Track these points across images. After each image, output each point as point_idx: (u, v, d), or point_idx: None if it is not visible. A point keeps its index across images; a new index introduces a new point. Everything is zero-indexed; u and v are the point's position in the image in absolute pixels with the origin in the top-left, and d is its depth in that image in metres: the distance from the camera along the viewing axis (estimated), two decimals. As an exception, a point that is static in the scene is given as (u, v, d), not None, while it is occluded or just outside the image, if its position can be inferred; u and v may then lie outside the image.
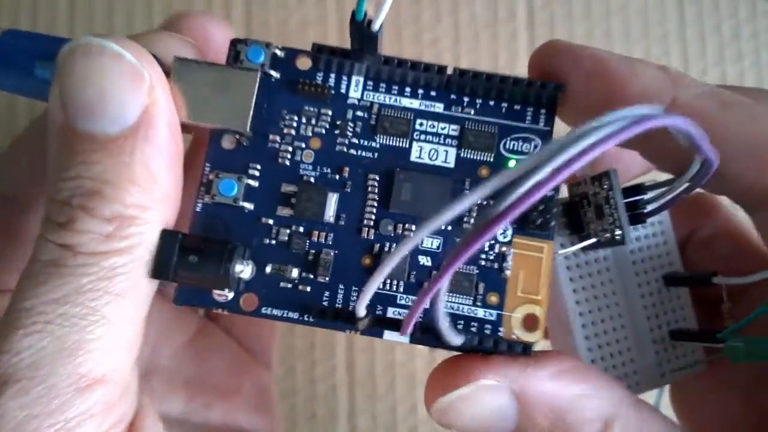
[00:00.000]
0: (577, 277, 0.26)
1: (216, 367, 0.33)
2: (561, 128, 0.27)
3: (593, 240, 0.25)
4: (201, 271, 0.23)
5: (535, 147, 0.26)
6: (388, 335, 0.25)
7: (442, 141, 0.26)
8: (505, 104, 0.26)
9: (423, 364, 0.45)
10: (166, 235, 0.23)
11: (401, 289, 0.25)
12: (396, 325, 0.24)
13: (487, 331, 0.25)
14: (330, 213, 0.25)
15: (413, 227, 0.25)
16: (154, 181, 0.22)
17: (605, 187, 0.25)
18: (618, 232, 0.25)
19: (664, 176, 0.27)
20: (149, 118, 0.22)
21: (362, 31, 0.23)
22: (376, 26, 0.22)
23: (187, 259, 0.23)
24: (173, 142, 0.22)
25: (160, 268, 0.23)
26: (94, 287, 0.21)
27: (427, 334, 0.24)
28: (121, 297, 0.21)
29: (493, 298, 0.25)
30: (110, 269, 0.21)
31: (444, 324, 0.21)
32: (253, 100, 0.24)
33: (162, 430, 0.23)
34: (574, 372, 0.23)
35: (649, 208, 0.26)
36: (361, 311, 0.21)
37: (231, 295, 0.25)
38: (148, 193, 0.22)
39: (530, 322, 0.25)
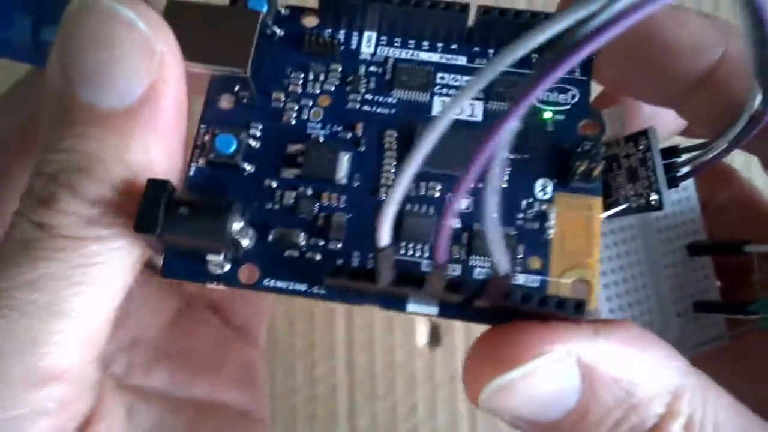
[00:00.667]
0: (601, 248, 0.23)
1: (201, 342, 0.31)
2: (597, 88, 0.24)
3: (623, 206, 0.22)
4: (193, 226, 0.19)
5: (573, 97, 0.23)
6: (413, 306, 0.21)
7: (466, 94, 0.23)
8: (534, 54, 0.23)
9: (423, 364, 0.44)
10: (153, 184, 0.19)
11: (425, 255, 0.21)
12: (423, 283, 0.20)
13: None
14: (342, 173, 0.22)
15: (438, 186, 0.22)
16: (149, 166, 0.20)
17: (641, 147, 0.23)
18: (654, 196, 0.22)
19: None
20: (156, 95, 0.20)
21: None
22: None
23: (177, 211, 0.19)
24: (177, 126, 0.20)
25: (143, 221, 0.19)
26: (67, 275, 0.19)
27: (460, 292, 0.20)
28: (94, 289, 0.19)
29: (536, 263, 0.21)
30: (88, 258, 0.19)
31: (493, 231, 0.16)
32: (255, 40, 0.21)
33: (124, 426, 0.22)
34: (642, 340, 0.20)
35: (682, 171, 0.23)
36: (385, 238, 0.17)
37: (228, 266, 0.21)
38: (140, 179, 0.19)
39: (580, 290, 0.21)
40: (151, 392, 0.28)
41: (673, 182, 0.23)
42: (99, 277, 0.19)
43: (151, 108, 0.20)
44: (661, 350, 0.20)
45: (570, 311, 0.19)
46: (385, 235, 0.17)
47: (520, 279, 0.21)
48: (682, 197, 0.26)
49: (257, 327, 0.34)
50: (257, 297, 0.32)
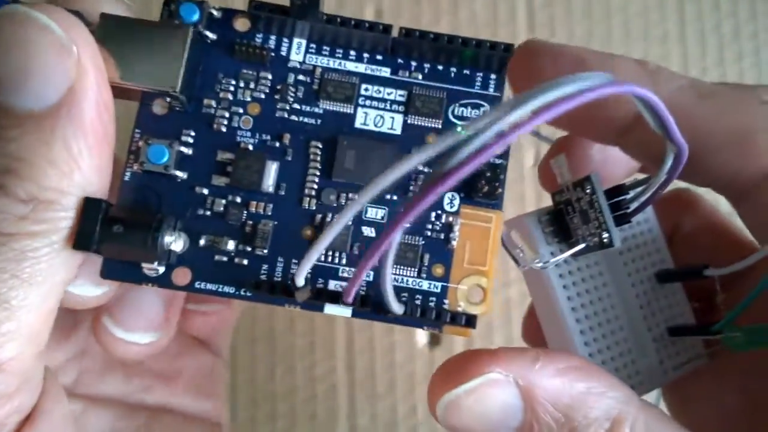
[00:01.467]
0: (570, 284, 0.25)
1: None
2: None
3: (582, 246, 0.25)
4: (127, 243, 0.22)
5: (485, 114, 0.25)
6: (330, 308, 0.23)
7: (388, 107, 0.25)
8: (454, 69, 0.25)
9: (423, 364, 0.45)
10: (89, 203, 0.21)
11: (343, 261, 0.24)
12: (338, 298, 0.23)
13: (432, 304, 0.24)
14: (269, 182, 0.24)
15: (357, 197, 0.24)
16: (75, 163, 0.20)
17: (588, 191, 0.24)
18: (605, 235, 0.24)
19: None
20: (74, 95, 0.20)
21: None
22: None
23: (112, 230, 0.21)
24: (100, 123, 0.21)
25: (82, 239, 0.21)
26: (2, 268, 0.20)
27: (369, 306, 0.23)
28: (28, 283, 0.20)
29: (439, 270, 0.24)
30: (20, 252, 0.20)
31: (389, 289, 0.20)
32: (184, 59, 0.23)
33: (66, 422, 0.23)
34: (583, 370, 0.22)
35: (633, 206, 0.25)
36: (300, 281, 0.20)
37: (162, 269, 0.23)
38: (68, 176, 0.20)
39: (476, 294, 0.24)
40: (104, 399, 0.29)
41: (623, 219, 0.25)
42: (33, 271, 0.20)
43: (71, 108, 0.20)
44: (602, 380, 0.22)
45: (461, 323, 0.22)
46: (301, 279, 0.20)
47: (424, 285, 0.24)
48: (644, 229, 0.28)
49: (218, 336, 0.34)
50: (214, 317, 0.32)
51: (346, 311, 0.24)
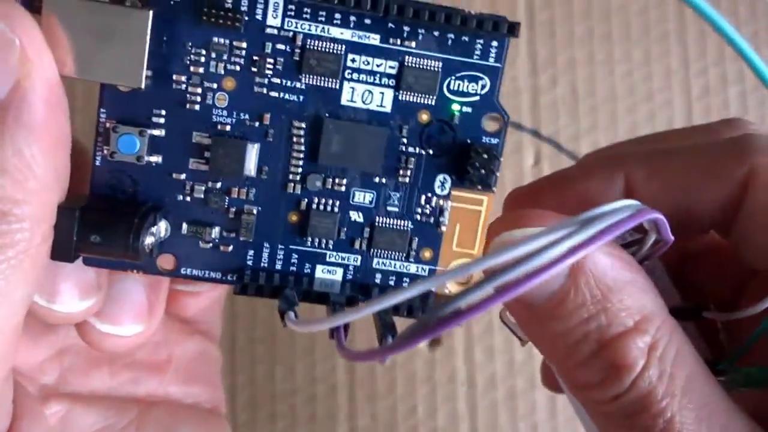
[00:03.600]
0: None
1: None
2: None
3: None
4: (106, 249, 0.21)
5: (483, 87, 0.23)
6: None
7: (377, 81, 0.22)
8: (451, 36, 0.22)
9: (423, 364, 0.45)
10: (63, 213, 0.20)
11: (331, 247, 0.23)
12: (324, 300, 0.23)
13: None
14: (250, 166, 0.22)
15: (344, 181, 0.23)
16: (28, 170, 0.18)
17: None
18: None
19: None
20: (21, 94, 0.18)
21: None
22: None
23: (89, 239, 0.20)
24: (54, 121, 0.19)
25: (59, 250, 0.20)
26: None
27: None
28: None
29: (427, 254, 0.24)
30: None
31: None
32: (146, 48, 0.20)
33: None
34: (632, 265, 0.21)
35: None
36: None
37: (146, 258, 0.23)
38: (21, 184, 0.18)
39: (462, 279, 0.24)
40: (91, 395, 0.28)
41: None
42: None
43: (18, 106, 0.18)
44: (644, 280, 0.21)
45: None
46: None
47: (412, 268, 0.24)
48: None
49: (209, 317, 0.32)
50: (202, 296, 0.30)
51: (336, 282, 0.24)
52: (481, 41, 0.22)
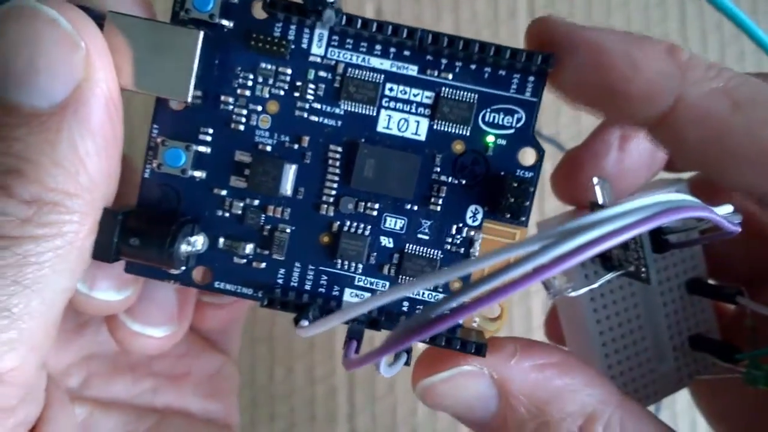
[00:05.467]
0: (598, 296, 0.25)
1: (165, 352, 0.30)
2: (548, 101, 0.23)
3: (619, 272, 0.24)
4: (144, 254, 0.22)
5: (518, 120, 0.23)
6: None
7: (413, 110, 0.23)
8: (488, 69, 0.23)
9: None
10: (107, 215, 0.21)
11: (359, 271, 0.24)
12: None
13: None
14: (287, 186, 0.23)
15: (376, 206, 0.23)
16: (81, 165, 0.20)
17: None
18: (643, 269, 0.23)
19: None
20: (82, 94, 0.20)
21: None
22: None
23: (129, 242, 0.22)
24: (109, 123, 0.20)
25: (100, 250, 0.21)
26: (0, 274, 0.19)
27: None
28: (30, 289, 0.19)
29: (456, 284, 0.24)
30: (23, 257, 0.19)
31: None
32: (195, 65, 0.21)
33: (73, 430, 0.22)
34: (561, 366, 0.22)
35: (673, 239, 0.23)
36: None
37: (183, 268, 0.24)
38: (74, 177, 0.19)
39: (493, 311, 0.24)
40: (112, 402, 0.29)
41: (660, 249, 0.23)
42: (36, 277, 0.19)
43: (78, 105, 0.19)
44: (582, 376, 0.22)
45: (471, 351, 0.22)
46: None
47: (441, 297, 0.24)
48: (681, 236, 0.26)
49: (229, 335, 0.33)
50: (230, 304, 0.31)
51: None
52: (518, 75, 0.23)
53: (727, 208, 0.18)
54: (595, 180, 0.22)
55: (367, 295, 0.24)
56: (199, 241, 0.23)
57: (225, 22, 0.23)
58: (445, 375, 0.23)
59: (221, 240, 0.24)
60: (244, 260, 0.24)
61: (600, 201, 0.22)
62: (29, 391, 0.20)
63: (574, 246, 0.14)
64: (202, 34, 0.21)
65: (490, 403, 0.23)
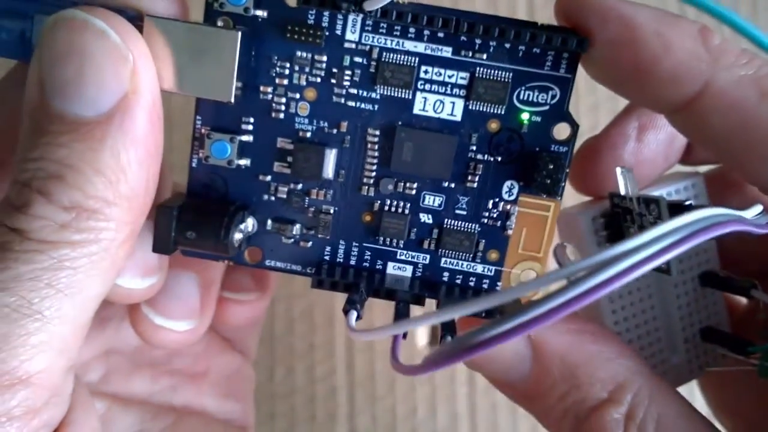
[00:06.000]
0: None
1: (184, 350, 0.31)
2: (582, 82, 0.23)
3: None
4: (200, 245, 0.23)
5: (553, 97, 0.23)
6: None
7: (449, 91, 0.24)
8: (522, 47, 0.23)
9: None
10: (162, 211, 0.23)
11: (402, 246, 0.25)
12: (392, 296, 0.24)
13: (485, 286, 0.25)
14: (329, 170, 0.24)
15: (415, 185, 0.24)
16: (122, 174, 0.20)
17: (653, 213, 0.23)
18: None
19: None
20: (127, 105, 0.20)
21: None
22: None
23: (186, 235, 0.23)
24: (151, 136, 0.21)
25: (159, 244, 0.23)
26: (35, 277, 0.19)
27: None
28: (63, 294, 0.19)
29: (494, 255, 0.25)
30: (58, 261, 0.19)
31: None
32: (236, 66, 0.22)
33: None
34: (595, 334, 0.23)
35: None
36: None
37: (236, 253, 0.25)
38: (114, 186, 0.20)
39: (529, 278, 0.25)
40: (131, 398, 0.29)
41: None
42: (69, 281, 0.19)
43: (123, 116, 0.20)
44: (613, 347, 0.23)
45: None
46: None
47: (479, 268, 0.25)
48: None
49: (247, 337, 0.33)
50: (251, 302, 0.31)
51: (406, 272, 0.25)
52: (552, 53, 0.23)
53: (756, 209, 0.19)
54: (619, 170, 0.23)
55: (409, 268, 0.25)
56: (249, 225, 0.25)
57: (259, 13, 0.23)
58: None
59: (269, 222, 0.25)
60: (292, 240, 0.25)
61: (622, 192, 0.23)
62: (55, 394, 0.20)
63: (605, 277, 0.15)
64: (240, 34, 0.22)
65: (524, 364, 0.24)
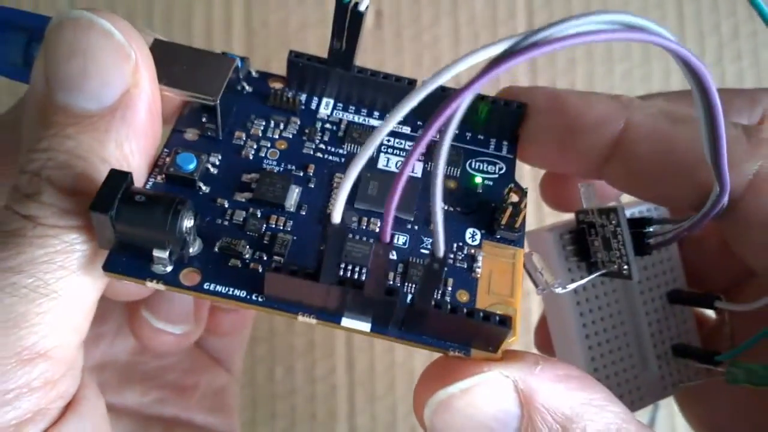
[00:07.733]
0: (583, 301, 0.26)
1: (174, 365, 0.33)
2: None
3: (602, 271, 0.25)
4: (146, 215, 0.20)
5: (500, 169, 0.26)
6: (347, 321, 0.21)
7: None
8: (469, 133, 0.27)
9: (423, 363, 0.42)
10: (114, 173, 0.21)
11: (364, 275, 0.22)
12: (361, 286, 0.21)
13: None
14: (291, 202, 0.24)
15: (378, 222, 0.24)
16: (125, 162, 0.21)
17: (613, 222, 0.25)
18: (625, 267, 0.24)
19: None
20: (129, 99, 0.22)
21: (347, 13, 0.24)
22: (362, 6, 0.24)
23: (134, 198, 0.20)
24: (150, 126, 0.22)
25: (101, 202, 0.20)
26: (49, 260, 0.20)
27: (388, 321, 0.21)
28: (75, 274, 0.20)
29: (464, 297, 0.23)
30: (70, 244, 0.20)
31: (439, 222, 0.18)
32: (227, 79, 0.24)
33: (104, 410, 0.23)
34: (583, 380, 0.21)
35: (654, 240, 0.26)
36: (337, 217, 0.19)
37: (170, 268, 0.22)
38: None
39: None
40: (122, 409, 0.30)
41: (643, 251, 0.25)
42: (80, 263, 0.20)
43: (126, 109, 0.21)
44: (602, 393, 0.21)
45: (495, 322, 0.20)
46: (337, 215, 0.19)
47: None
48: (659, 238, 0.27)
49: (233, 356, 0.35)
50: (235, 327, 0.33)
51: (365, 325, 0.21)
52: (494, 140, 0.27)
53: None
54: (580, 185, 0.25)
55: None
56: (195, 241, 0.22)
57: (246, 86, 0.26)
58: (466, 383, 0.20)
59: (218, 243, 0.22)
60: (240, 263, 0.22)
61: (584, 205, 0.24)
62: (70, 367, 0.21)
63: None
64: (236, 60, 0.25)
65: (509, 423, 0.20)
